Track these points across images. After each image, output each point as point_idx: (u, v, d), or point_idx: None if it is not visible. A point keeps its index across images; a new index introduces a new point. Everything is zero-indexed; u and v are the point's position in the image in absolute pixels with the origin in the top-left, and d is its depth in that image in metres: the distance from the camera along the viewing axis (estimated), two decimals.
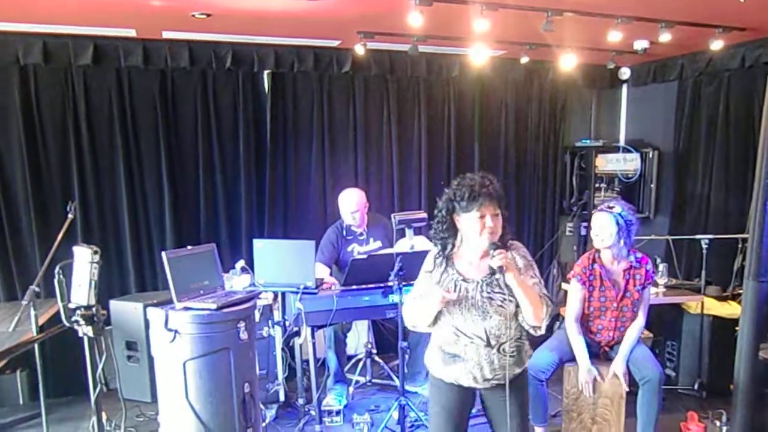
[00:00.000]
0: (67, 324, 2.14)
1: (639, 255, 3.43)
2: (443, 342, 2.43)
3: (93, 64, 4.26)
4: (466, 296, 2.35)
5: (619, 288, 3.38)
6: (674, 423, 3.73)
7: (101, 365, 2.19)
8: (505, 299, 2.34)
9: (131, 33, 4.19)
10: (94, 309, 2.12)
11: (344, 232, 4.30)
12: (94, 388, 2.16)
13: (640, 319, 3.40)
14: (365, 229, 4.33)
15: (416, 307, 2.44)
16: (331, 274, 4.23)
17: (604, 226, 3.33)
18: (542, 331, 2.38)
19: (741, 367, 3.35)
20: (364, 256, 3.78)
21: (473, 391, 2.49)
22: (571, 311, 3.46)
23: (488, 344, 2.37)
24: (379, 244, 4.33)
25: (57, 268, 2.11)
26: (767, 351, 3.49)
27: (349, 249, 4.30)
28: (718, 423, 3.66)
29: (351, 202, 4.22)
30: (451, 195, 2.34)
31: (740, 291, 3.62)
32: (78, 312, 2.11)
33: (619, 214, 3.31)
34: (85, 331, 2.12)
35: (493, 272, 2.30)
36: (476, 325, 2.35)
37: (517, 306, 2.33)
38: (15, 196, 4.33)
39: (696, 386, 4.29)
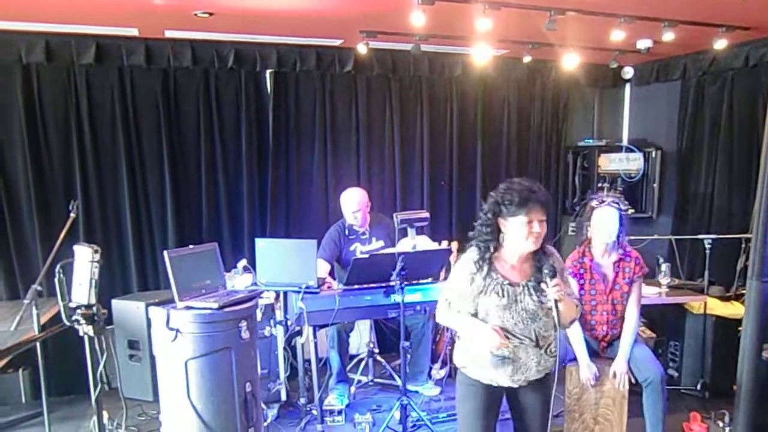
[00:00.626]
0: (68, 323, 2.14)
1: (628, 248, 3.43)
2: (495, 347, 2.39)
3: (95, 63, 4.27)
4: (515, 300, 2.37)
5: (608, 281, 3.39)
6: (677, 423, 3.72)
7: (102, 364, 2.18)
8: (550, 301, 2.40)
9: (134, 32, 4.20)
10: (94, 308, 2.12)
11: (347, 231, 4.30)
12: (95, 387, 2.16)
13: (633, 314, 3.40)
14: (367, 228, 4.33)
15: (455, 319, 2.50)
16: (332, 272, 4.23)
17: (612, 220, 3.34)
18: (568, 328, 2.55)
19: (744, 367, 3.34)
20: (366, 256, 3.78)
21: (503, 390, 2.50)
22: None
23: (537, 345, 2.41)
24: (381, 243, 4.33)
25: (58, 267, 2.11)
26: None
27: (352, 248, 4.30)
28: (720, 423, 3.64)
29: (353, 202, 4.22)
30: (498, 199, 2.36)
31: (743, 291, 3.61)
32: (78, 311, 2.10)
33: (620, 209, 3.33)
34: (85, 330, 2.12)
35: (538, 278, 2.38)
36: (527, 327, 2.38)
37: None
38: (17, 194, 4.34)
39: (699, 386, 4.27)
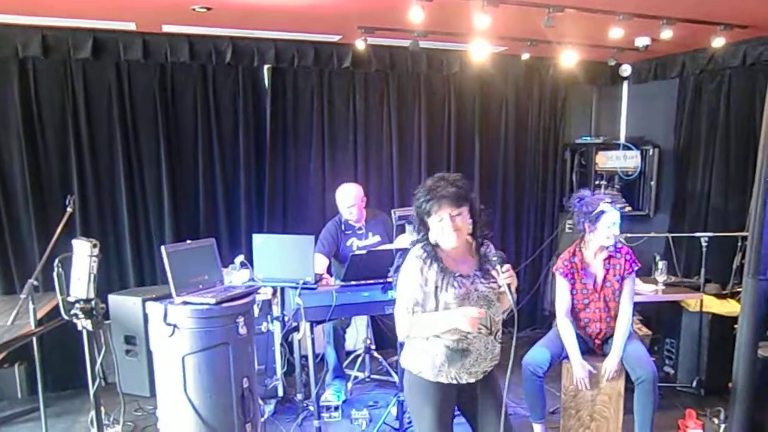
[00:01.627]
0: (66, 317, 2.13)
1: (619, 245, 3.44)
2: (451, 341, 2.39)
3: (92, 57, 4.24)
4: (470, 289, 2.38)
5: (597, 279, 3.40)
6: (672, 420, 3.74)
7: (100, 359, 2.18)
8: (498, 286, 2.43)
9: (131, 26, 4.18)
10: (93, 302, 2.11)
11: (343, 227, 4.30)
12: (93, 381, 2.16)
13: (626, 309, 3.41)
14: (363, 223, 4.33)
15: (421, 322, 2.38)
16: (329, 268, 4.23)
17: (617, 222, 3.36)
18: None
19: (740, 364, 3.36)
20: (364, 252, 3.77)
21: (458, 387, 2.47)
22: (561, 305, 3.47)
23: (490, 332, 2.42)
24: (378, 238, 4.33)
25: (56, 262, 2.10)
26: (766, 349, 3.50)
27: (348, 243, 4.30)
28: (716, 420, 3.66)
29: (348, 197, 4.22)
30: (417, 203, 2.39)
31: (739, 289, 3.63)
32: (77, 305, 2.10)
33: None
34: (84, 324, 2.11)
35: (484, 264, 2.43)
36: (483, 317, 2.38)
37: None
38: (13, 189, 4.32)
39: (694, 384, 4.29)
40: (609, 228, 3.35)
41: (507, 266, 2.32)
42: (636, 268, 3.45)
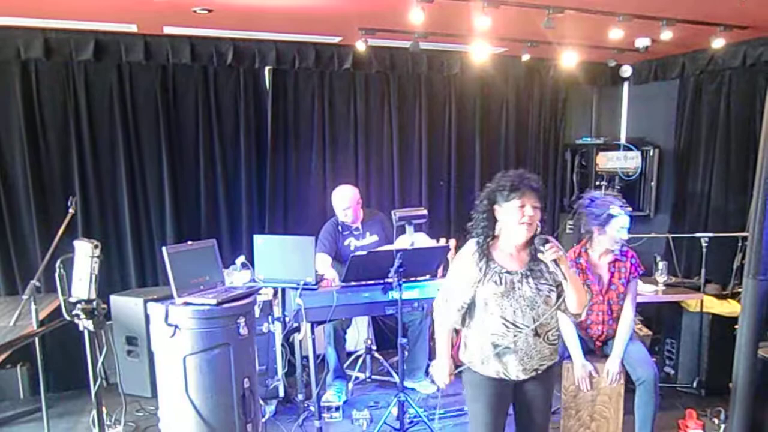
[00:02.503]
0: (68, 318, 2.15)
1: (624, 248, 3.43)
2: (494, 335, 2.42)
3: (94, 59, 4.26)
4: (513, 287, 2.39)
5: (603, 281, 3.39)
6: (673, 421, 3.74)
7: (101, 359, 2.19)
8: (551, 289, 2.44)
9: (132, 28, 4.19)
10: (94, 303, 2.12)
11: (340, 228, 4.31)
12: (95, 381, 2.17)
13: (628, 313, 3.41)
14: (360, 224, 4.34)
15: (444, 312, 2.53)
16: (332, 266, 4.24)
17: (626, 226, 3.34)
18: (582, 318, 2.53)
19: (740, 365, 3.35)
20: (364, 253, 3.79)
21: (513, 384, 2.51)
22: None
23: (536, 334, 2.43)
24: (375, 238, 4.34)
25: (58, 262, 2.11)
26: (766, 349, 3.50)
27: (346, 243, 4.31)
28: (716, 421, 3.66)
29: (343, 199, 4.23)
30: (493, 186, 2.42)
31: (740, 289, 3.63)
32: (79, 306, 2.11)
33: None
34: (85, 324, 2.12)
35: (535, 265, 2.42)
36: (525, 316, 2.40)
37: (559, 296, 2.44)
38: (16, 190, 4.34)
39: (695, 384, 4.30)
40: (618, 232, 3.34)
41: (550, 243, 2.32)
42: (641, 272, 3.44)
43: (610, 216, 3.33)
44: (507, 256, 2.45)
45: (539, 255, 2.35)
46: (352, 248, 4.29)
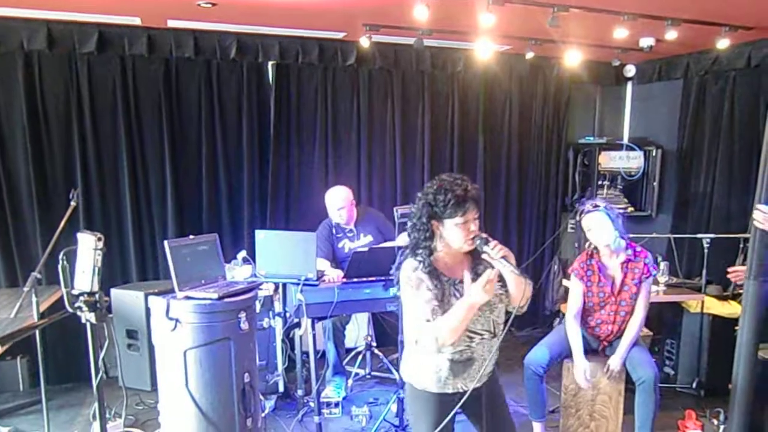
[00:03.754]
0: (70, 310, 2.15)
1: (638, 249, 3.43)
2: (453, 353, 2.29)
3: (97, 51, 4.26)
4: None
5: (615, 282, 3.39)
6: (672, 421, 3.74)
7: (103, 352, 2.19)
8: (500, 286, 2.28)
9: (136, 21, 4.19)
10: (96, 295, 2.12)
11: (334, 230, 4.29)
12: (96, 374, 2.17)
13: (639, 314, 3.40)
14: (354, 225, 4.32)
15: (451, 319, 2.17)
16: None
17: (601, 224, 3.33)
18: (524, 310, 2.33)
19: (740, 366, 3.35)
20: (366, 249, 3.78)
21: (458, 398, 2.34)
22: (571, 307, 3.46)
23: (494, 335, 2.34)
24: (370, 238, 4.32)
25: (61, 254, 2.11)
26: (766, 351, 3.50)
27: (340, 245, 4.30)
28: (715, 422, 3.67)
29: (338, 199, 4.20)
30: (431, 200, 2.20)
31: (741, 291, 3.62)
32: (81, 298, 2.11)
33: (605, 208, 3.32)
34: (87, 317, 2.13)
35: (477, 264, 2.28)
36: (487, 321, 2.30)
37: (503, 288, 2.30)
38: (18, 183, 4.34)
39: (694, 385, 4.30)
40: (588, 232, 3.37)
41: (493, 242, 2.18)
42: (654, 273, 3.44)
43: (581, 215, 3.38)
44: (451, 266, 2.29)
45: (483, 256, 2.20)
46: (346, 251, 4.28)
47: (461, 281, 2.23)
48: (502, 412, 2.48)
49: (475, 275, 2.24)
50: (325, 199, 4.28)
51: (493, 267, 2.19)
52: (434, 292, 2.22)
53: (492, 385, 2.46)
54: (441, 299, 2.22)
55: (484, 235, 2.22)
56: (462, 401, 2.27)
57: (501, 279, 2.27)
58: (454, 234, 2.21)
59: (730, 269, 3.36)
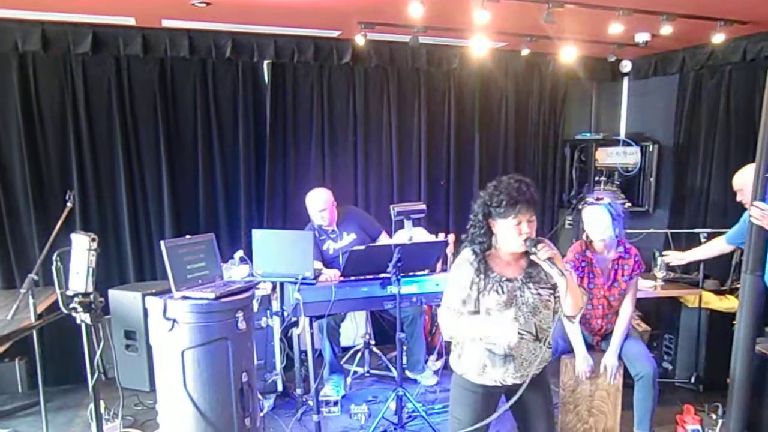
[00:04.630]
0: (65, 311, 2.14)
1: (628, 245, 3.44)
2: (494, 345, 2.35)
3: (92, 52, 4.24)
4: (515, 295, 2.34)
5: (608, 277, 3.40)
6: (670, 416, 3.75)
7: (99, 353, 2.19)
8: (550, 293, 2.39)
9: (130, 21, 4.18)
10: (91, 296, 2.12)
11: (316, 233, 4.28)
12: (92, 374, 2.17)
13: (628, 308, 3.42)
14: (335, 226, 4.31)
15: (463, 328, 2.36)
16: None
17: (599, 218, 3.34)
18: (576, 321, 2.43)
19: (737, 360, 3.36)
20: (363, 247, 3.78)
21: (502, 390, 2.46)
22: None
23: (537, 338, 2.38)
24: (353, 236, 4.31)
25: (55, 255, 2.11)
26: (764, 345, 3.50)
27: (325, 247, 4.29)
28: (714, 416, 3.67)
29: (318, 201, 4.18)
30: (487, 200, 2.32)
31: (738, 285, 3.62)
32: (76, 299, 2.11)
33: (610, 205, 3.33)
34: (82, 318, 2.12)
35: (532, 267, 2.36)
36: (528, 322, 2.35)
37: (556, 297, 2.38)
38: (13, 184, 4.33)
39: (693, 380, 4.31)
40: (588, 224, 3.38)
41: (541, 244, 2.25)
42: (642, 270, 3.46)
43: (581, 208, 3.39)
44: (505, 265, 2.39)
45: (532, 257, 2.29)
46: (331, 252, 4.28)
47: (508, 279, 2.35)
48: (543, 415, 2.50)
49: (528, 278, 2.38)
50: (306, 203, 4.26)
51: (544, 272, 2.32)
52: (468, 291, 2.33)
53: (538, 385, 2.45)
54: (481, 290, 2.32)
55: (536, 238, 2.29)
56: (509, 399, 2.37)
57: (550, 285, 2.38)
58: (507, 234, 2.30)
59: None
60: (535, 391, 2.44)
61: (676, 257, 4.06)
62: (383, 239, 4.35)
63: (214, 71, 4.73)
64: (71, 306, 2.11)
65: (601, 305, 3.44)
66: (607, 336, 3.49)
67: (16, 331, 2.78)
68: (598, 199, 3.38)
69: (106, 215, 4.61)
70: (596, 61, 5.54)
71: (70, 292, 2.12)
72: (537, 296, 2.36)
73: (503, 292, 2.32)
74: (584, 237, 3.50)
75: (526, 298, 2.35)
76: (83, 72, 4.37)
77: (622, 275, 3.40)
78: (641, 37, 4.57)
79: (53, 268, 2.10)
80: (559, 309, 2.38)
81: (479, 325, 2.32)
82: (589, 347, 3.50)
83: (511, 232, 2.28)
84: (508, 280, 2.35)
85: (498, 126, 5.69)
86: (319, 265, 4.07)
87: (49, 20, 4.07)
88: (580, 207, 3.49)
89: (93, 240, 2.08)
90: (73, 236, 2.14)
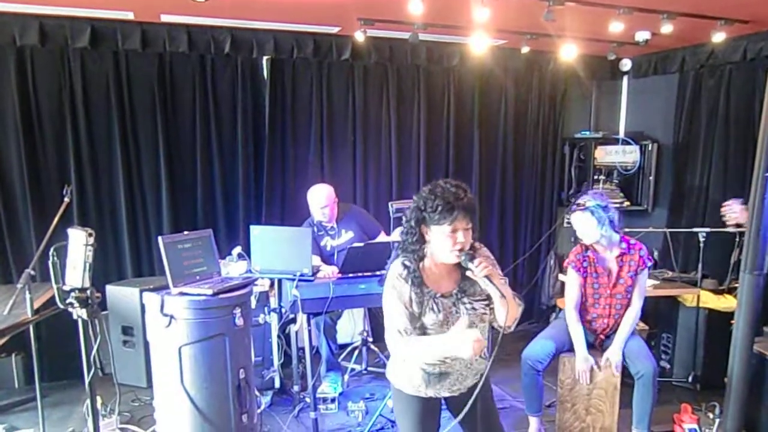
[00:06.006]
0: (62, 306, 2.13)
1: (633, 241, 3.43)
2: (428, 364, 2.26)
3: (90, 46, 4.22)
4: (450, 312, 2.20)
5: (611, 275, 3.39)
6: (668, 415, 3.75)
7: (95, 348, 2.18)
8: (485, 305, 2.25)
9: (129, 16, 4.16)
10: (88, 291, 2.11)
11: (315, 229, 4.27)
12: (88, 370, 2.16)
13: (636, 305, 3.41)
14: (335, 223, 4.30)
15: (417, 348, 2.17)
16: None
17: (585, 223, 3.34)
18: (511, 330, 2.21)
19: (735, 360, 3.36)
20: (362, 245, 3.78)
21: (441, 399, 2.40)
22: (570, 299, 3.46)
23: None
24: (351, 234, 4.30)
25: (51, 250, 2.10)
26: (761, 344, 3.51)
27: (323, 243, 4.28)
28: (711, 415, 3.67)
29: (321, 197, 4.18)
30: (421, 205, 2.14)
31: (736, 285, 3.62)
32: (72, 294, 2.10)
33: (593, 208, 3.29)
34: (79, 313, 2.11)
35: (464, 280, 2.20)
36: (484, 344, 2.20)
37: (490, 307, 2.25)
38: (11, 179, 4.31)
39: (690, 379, 4.31)
40: (576, 229, 3.39)
41: (477, 260, 2.10)
42: (650, 264, 3.44)
43: (570, 211, 3.41)
44: (437, 278, 2.22)
45: (468, 273, 2.13)
46: (328, 248, 4.27)
47: (443, 295, 2.20)
48: (490, 420, 2.45)
49: (462, 293, 2.21)
50: (308, 198, 4.25)
51: (479, 285, 2.16)
52: (410, 309, 2.16)
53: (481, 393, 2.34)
54: (419, 310, 2.17)
55: (471, 251, 2.14)
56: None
57: (484, 296, 2.24)
58: (440, 242, 2.12)
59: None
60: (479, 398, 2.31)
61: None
62: (381, 239, 4.34)
63: (213, 67, 4.71)
64: (68, 301, 2.10)
65: (607, 305, 3.43)
66: (610, 335, 3.48)
67: (13, 326, 2.76)
68: (580, 205, 3.36)
69: (104, 210, 4.60)
70: (596, 60, 5.53)
71: (66, 287, 2.11)
72: (472, 311, 2.22)
73: (440, 310, 2.18)
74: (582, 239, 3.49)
75: (460, 314, 2.20)
76: (81, 66, 4.35)
77: (628, 271, 3.38)
78: (641, 36, 4.56)
79: (50, 263, 2.09)
80: (492, 320, 2.26)
81: (435, 343, 2.15)
82: (590, 346, 3.49)
83: (445, 241, 2.10)
84: (443, 296, 2.20)
85: (497, 124, 5.68)
86: (317, 260, 4.07)
87: (46, 14, 4.04)
88: (566, 214, 3.49)
89: (90, 235, 2.07)
90: (70, 231, 2.12)
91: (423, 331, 2.20)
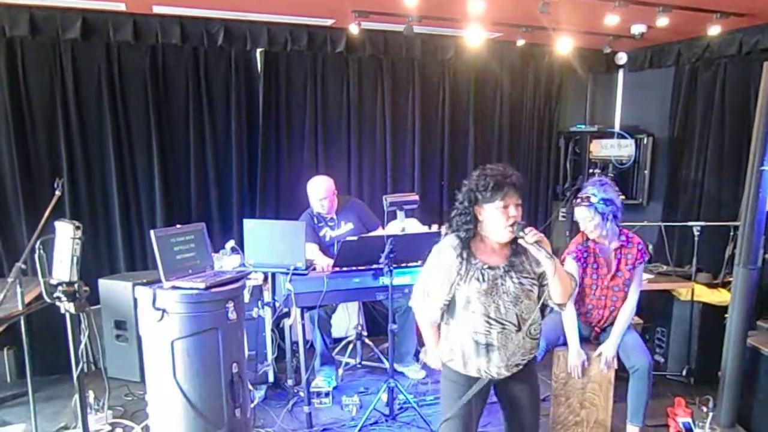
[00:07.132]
0: (49, 300, 2.11)
1: (631, 235, 3.42)
2: (476, 333, 2.35)
3: (81, 38, 4.17)
4: (496, 284, 2.32)
5: (610, 266, 3.38)
6: (662, 408, 3.75)
7: (84, 342, 2.16)
8: (533, 282, 2.37)
9: (121, 7, 4.11)
10: (76, 285, 2.08)
11: (315, 219, 4.27)
12: (77, 365, 2.14)
13: (632, 298, 3.39)
14: (335, 214, 4.30)
15: (424, 308, 2.47)
16: None
17: (586, 219, 3.32)
18: (567, 309, 2.46)
19: (729, 353, 3.37)
20: (355, 238, 3.76)
21: (494, 382, 2.46)
22: None
23: (519, 329, 2.35)
24: (350, 226, 4.31)
25: (38, 243, 2.07)
26: (755, 338, 3.51)
27: (322, 234, 4.28)
28: (705, 409, 3.68)
29: (320, 189, 4.17)
30: (473, 186, 2.31)
31: (730, 278, 3.63)
32: (60, 288, 2.07)
33: (597, 203, 3.27)
34: (66, 307, 2.09)
35: (515, 256, 2.36)
36: (508, 312, 2.33)
37: (541, 286, 2.38)
38: (1, 172, 4.27)
39: (684, 372, 4.32)
40: (579, 222, 3.36)
41: (529, 228, 2.24)
42: (646, 258, 3.43)
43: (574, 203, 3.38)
44: (488, 252, 2.37)
45: (520, 240, 2.27)
46: (327, 239, 4.27)
47: (490, 267, 2.33)
48: (525, 414, 2.51)
49: (510, 267, 2.35)
50: (307, 189, 4.25)
51: (527, 262, 2.36)
52: (447, 276, 2.33)
53: (524, 377, 2.45)
54: (461, 279, 2.32)
55: (523, 222, 2.28)
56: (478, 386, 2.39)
57: (534, 275, 2.38)
58: (494, 219, 2.28)
59: None
60: (522, 383, 2.46)
61: None
62: (378, 233, 4.33)
63: (206, 59, 4.67)
64: (55, 295, 2.08)
65: (603, 296, 3.42)
66: (606, 328, 3.47)
67: (1, 319, 2.74)
68: (584, 198, 3.34)
69: (96, 204, 4.56)
70: (592, 53, 5.51)
71: (54, 281, 2.08)
72: (519, 285, 2.34)
73: (484, 280, 2.30)
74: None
75: (507, 287, 2.32)
76: (72, 58, 4.30)
77: (626, 264, 3.37)
78: (637, 29, 4.54)
79: (36, 256, 2.06)
80: (547, 298, 2.37)
81: (429, 340, 2.54)
82: (585, 340, 3.49)
83: (498, 217, 2.27)
84: (490, 267, 2.32)
85: (492, 116, 5.66)
86: (314, 249, 4.05)
87: (37, 5, 3.99)
88: (567, 206, 3.47)
89: (77, 228, 2.04)
90: (57, 224, 2.10)
91: (464, 299, 2.33)
